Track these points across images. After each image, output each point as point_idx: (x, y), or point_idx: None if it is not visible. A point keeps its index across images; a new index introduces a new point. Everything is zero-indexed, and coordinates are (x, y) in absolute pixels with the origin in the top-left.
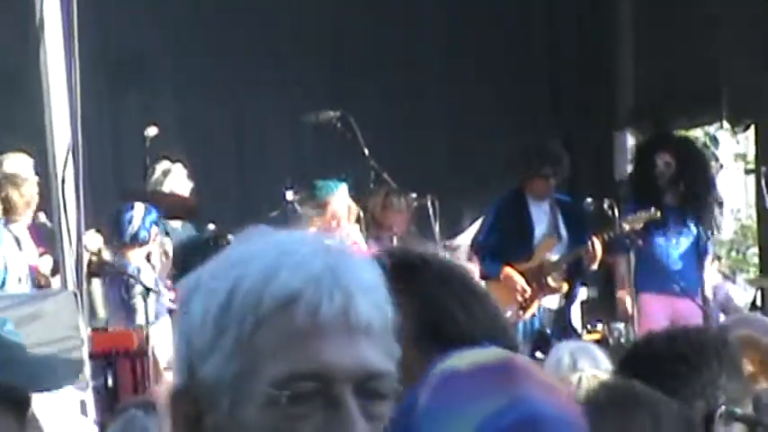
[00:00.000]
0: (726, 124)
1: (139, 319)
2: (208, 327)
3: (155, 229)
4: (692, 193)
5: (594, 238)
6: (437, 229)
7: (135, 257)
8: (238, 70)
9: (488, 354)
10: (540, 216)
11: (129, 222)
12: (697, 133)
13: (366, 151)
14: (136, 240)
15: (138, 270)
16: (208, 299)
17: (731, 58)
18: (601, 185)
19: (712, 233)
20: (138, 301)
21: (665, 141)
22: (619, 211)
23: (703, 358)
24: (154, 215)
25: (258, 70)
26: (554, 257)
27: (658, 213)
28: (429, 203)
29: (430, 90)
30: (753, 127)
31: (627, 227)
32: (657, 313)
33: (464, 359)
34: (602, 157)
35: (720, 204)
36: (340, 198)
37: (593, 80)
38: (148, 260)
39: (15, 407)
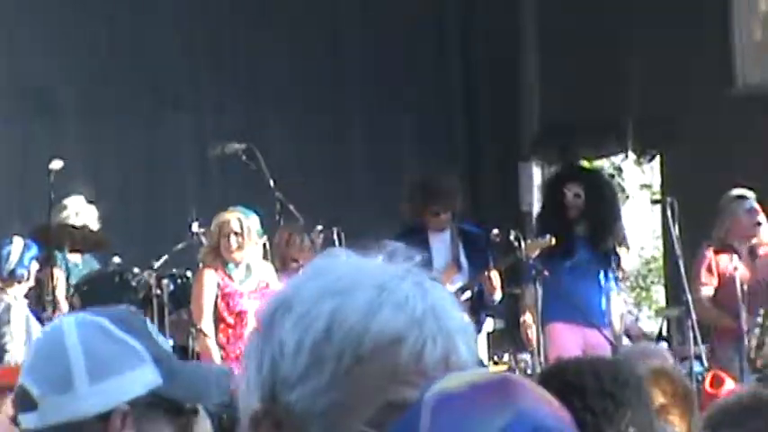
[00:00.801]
0: (631, 155)
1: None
2: (302, 356)
3: (34, 266)
4: (600, 224)
5: (493, 269)
6: None
7: (12, 294)
8: (146, 101)
9: (480, 373)
10: (441, 247)
11: (6, 258)
12: (603, 163)
13: (272, 183)
14: (13, 276)
15: (8, 307)
16: (302, 327)
17: (637, 90)
18: (506, 216)
19: (618, 265)
20: (8, 340)
21: (573, 173)
22: (525, 242)
23: (627, 395)
24: (34, 251)
25: (166, 101)
26: (453, 288)
27: (553, 240)
28: (335, 235)
29: (339, 121)
30: (658, 157)
31: (523, 255)
32: (569, 343)
33: (455, 380)
34: (507, 187)
35: (624, 237)
36: (253, 229)
37: (499, 111)
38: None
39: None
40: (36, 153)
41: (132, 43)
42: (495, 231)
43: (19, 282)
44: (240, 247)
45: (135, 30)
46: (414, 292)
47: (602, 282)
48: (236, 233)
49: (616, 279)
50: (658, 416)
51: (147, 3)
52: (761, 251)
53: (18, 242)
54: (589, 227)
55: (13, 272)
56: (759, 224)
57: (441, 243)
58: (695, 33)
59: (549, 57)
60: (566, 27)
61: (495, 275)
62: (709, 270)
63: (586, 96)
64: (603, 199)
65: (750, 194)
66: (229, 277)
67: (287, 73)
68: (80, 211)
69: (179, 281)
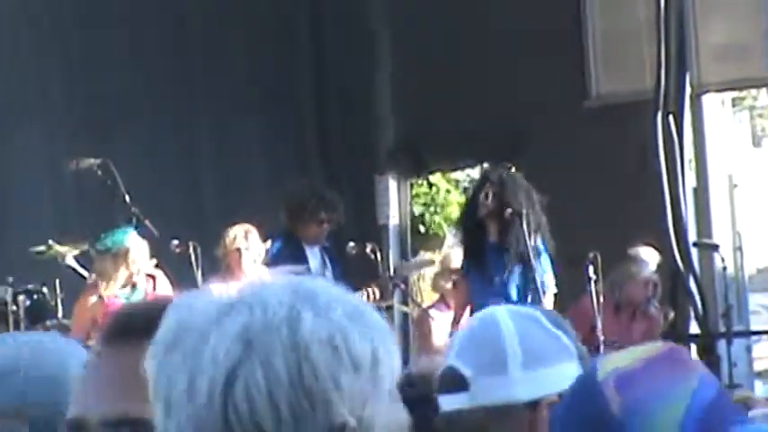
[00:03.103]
0: (486, 166)
1: None
2: None
3: None
4: (512, 230)
5: (373, 285)
6: (199, 275)
7: None
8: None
9: (642, 349)
10: (314, 260)
11: None
12: (458, 175)
13: (127, 198)
14: None
15: None
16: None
17: (491, 101)
18: (364, 230)
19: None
20: None
21: (486, 178)
22: (381, 256)
23: None
24: None
25: (15, 115)
26: None
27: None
28: (191, 250)
29: (196, 133)
30: (512, 169)
31: (401, 273)
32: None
33: (621, 360)
34: (364, 200)
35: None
36: (136, 244)
37: (355, 124)
38: None
39: None
40: None
41: None
42: (352, 244)
43: None
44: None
45: None
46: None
47: (519, 289)
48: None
49: (541, 285)
50: None
51: None
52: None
53: None
54: (500, 232)
55: None
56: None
57: (313, 257)
58: (550, 45)
59: (402, 69)
60: (419, 39)
61: (375, 291)
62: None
63: (441, 109)
64: (514, 202)
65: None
66: (114, 295)
67: (134, 85)
68: None
69: (35, 296)
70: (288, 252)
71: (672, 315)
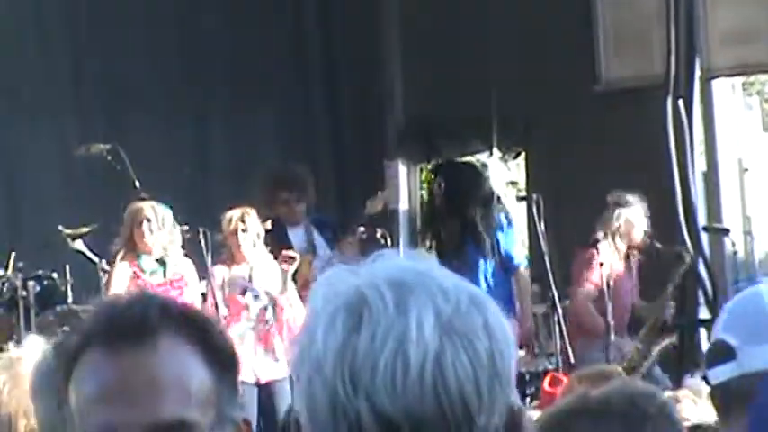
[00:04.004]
0: (496, 152)
1: None
2: None
3: None
4: (467, 216)
5: (344, 241)
6: (209, 260)
7: None
8: (8, 99)
9: None
10: (298, 240)
11: None
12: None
13: (137, 184)
14: None
15: None
16: None
17: (501, 87)
18: (373, 215)
19: (493, 255)
20: None
21: (439, 168)
22: (392, 240)
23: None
24: None
25: (29, 101)
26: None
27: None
28: (201, 235)
29: (206, 119)
30: (523, 154)
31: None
32: None
33: None
34: (373, 186)
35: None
36: (152, 204)
37: (365, 109)
38: None
39: None
40: None
41: None
42: (362, 229)
43: None
44: (153, 234)
45: None
46: None
47: (478, 275)
48: (148, 220)
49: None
50: None
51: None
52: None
53: None
54: (457, 221)
55: None
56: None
57: (296, 236)
58: (558, 29)
59: (411, 54)
60: (428, 24)
61: (347, 245)
62: (590, 268)
63: (451, 94)
64: (465, 190)
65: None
66: (141, 269)
67: (146, 71)
68: None
69: (45, 282)
70: (270, 236)
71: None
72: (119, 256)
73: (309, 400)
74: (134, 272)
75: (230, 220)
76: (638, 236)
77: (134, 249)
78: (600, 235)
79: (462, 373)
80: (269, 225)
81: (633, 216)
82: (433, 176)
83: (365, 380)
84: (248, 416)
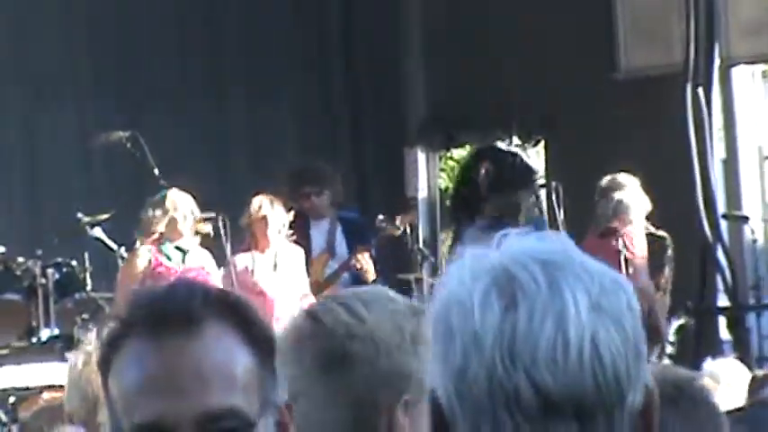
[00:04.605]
0: (516, 140)
1: None
2: None
3: None
4: (512, 203)
5: (363, 251)
6: (228, 248)
7: None
8: (24, 89)
9: None
10: (319, 235)
11: None
12: None
13: (156, 171)
14: None
15: None
16: None
17: (521, 75)
18: (393, 203)
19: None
20: None
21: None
22: (411, 229)
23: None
24: None
25: (45, 89)
26: (328, 273)
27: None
28: (220, 223)
29: (229, 107)
30: (542, 142)
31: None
32: None
33: None
34: (393, 174)
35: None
36: (176, 192)
37: (385, 98)
38: None
39: None
40: None
41: (9, 29)
42: (381, 217)
43: None
44: (186, 221)
45: (10, 13)
46: None
47: None
48: (184, 207)
49: None
50: None
51: None
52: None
53: None
54: (499, 206)
55: None
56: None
57: (318, 231)
58: (578, 17)
59: (432, 42)
60: (449, 13)
61: (364, 257)
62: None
63: (471, 81)
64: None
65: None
66: (164, 255)
67: (166, 60)
68: None
69: (64, 269)
70: (294, 230)
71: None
72: (141, 243)
73: (461, 373)
74: (155, 257)
75: (258, 207)
76: (637, 217)
77: (160, 236)
78: (615, 223)
79: (615, 351)
80: (291, 216)
81: (628, 198)
82: (472, 161)
83: (525, 357)
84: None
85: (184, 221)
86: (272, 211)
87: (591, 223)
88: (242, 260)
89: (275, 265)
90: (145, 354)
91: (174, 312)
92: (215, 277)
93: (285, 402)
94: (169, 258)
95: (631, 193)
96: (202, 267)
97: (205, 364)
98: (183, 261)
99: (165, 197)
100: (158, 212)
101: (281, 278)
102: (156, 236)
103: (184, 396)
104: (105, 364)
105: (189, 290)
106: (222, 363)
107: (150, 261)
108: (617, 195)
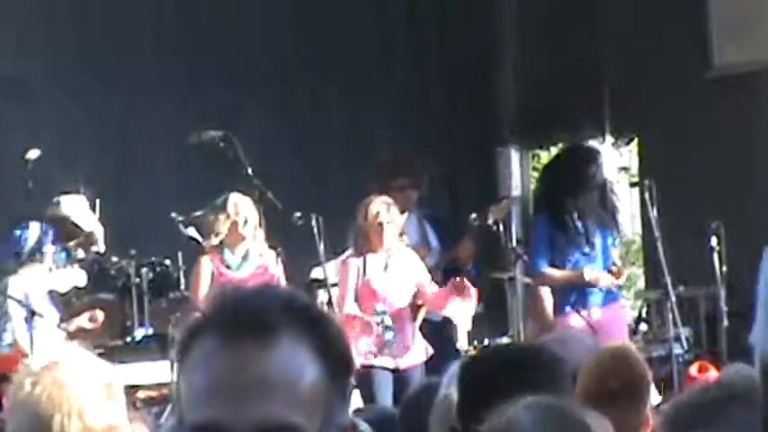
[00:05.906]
0: (608, 138)
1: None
2: None
3: (50, 249)
4: (602, 202)
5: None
6: (321, 248)
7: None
8: (120, 88)
9: None
10: (409, 228)
11: (25, 242)
12: None
13: (249, 170)
14: (31, 259)
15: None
16: None
17: (614, 73)
18: (485, 201)
19: (615, 243)
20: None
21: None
22: (504, 227)
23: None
24: (51, 235)
25: (140, 89)
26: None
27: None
28: (314, 222)
29: (322, 105)
30: (635, 140)
31: (492, 217)
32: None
33: None
34: (485, 172)
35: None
36: (236, 195)
37: (479, 96)
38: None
39: None
40: (11, 142)
41: (103, 30)
42: (474, 216)
43: (36, 263)
44: (246, 226)
45: (105, 15)
46: None
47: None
48: (245, 212)
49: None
50: (604, 401)
51: None
52: None
53: (35, 227)
54: (593, 204)
55: (31, 255)
56: None
57: (410, 225)
58: (671, 14)
59: (526, 40)
60: (542, 10)
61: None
62: None
63: (564, 80)
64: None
65: None
66: (226, 266)
67: (262, 58)
68: (77, 211)
69: (158, 269)
70: None
71: None
72: (206, 246)
73: None
74: (217, 268)
75: (377, 213)
76: None
77: (219, 245)
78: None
79: None
80: (406, 216)
81: None
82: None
83: None
84: (384, 401)
85: (245, 225)
86: (389, 217)
87: (684, 220)
88: (354, 265)
89: (386, 266)
90: (215, 354)
91: (249, 317)
92: (278, 278)
93: (351, 421)
94: (229, 267)
95: None
96: (265, 269)
97: (272, 374)
98: (244, 266)
99: (226, 200)
100: (221, 216)
101: (391, 278)
102: (216, 242)
103: (246, 403)
104: (181, 357)
105: (269, 296)
106: (288, 376)
107: (213, 273)
108: None
